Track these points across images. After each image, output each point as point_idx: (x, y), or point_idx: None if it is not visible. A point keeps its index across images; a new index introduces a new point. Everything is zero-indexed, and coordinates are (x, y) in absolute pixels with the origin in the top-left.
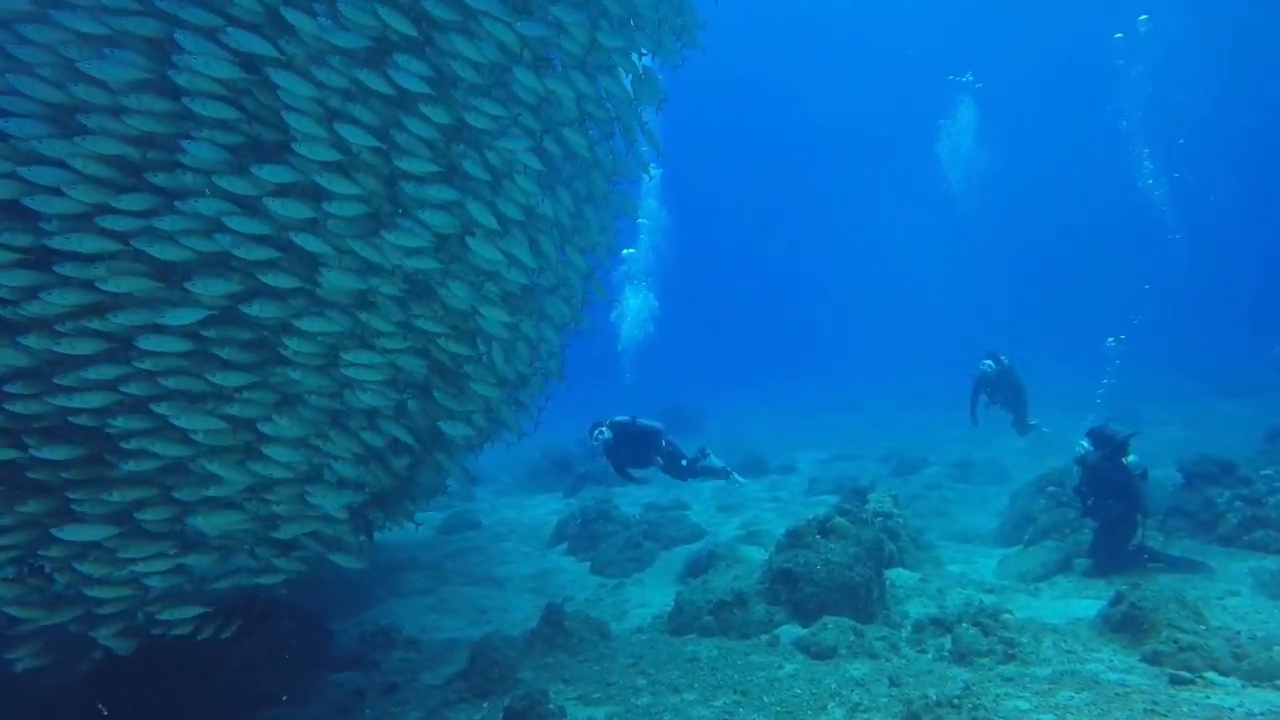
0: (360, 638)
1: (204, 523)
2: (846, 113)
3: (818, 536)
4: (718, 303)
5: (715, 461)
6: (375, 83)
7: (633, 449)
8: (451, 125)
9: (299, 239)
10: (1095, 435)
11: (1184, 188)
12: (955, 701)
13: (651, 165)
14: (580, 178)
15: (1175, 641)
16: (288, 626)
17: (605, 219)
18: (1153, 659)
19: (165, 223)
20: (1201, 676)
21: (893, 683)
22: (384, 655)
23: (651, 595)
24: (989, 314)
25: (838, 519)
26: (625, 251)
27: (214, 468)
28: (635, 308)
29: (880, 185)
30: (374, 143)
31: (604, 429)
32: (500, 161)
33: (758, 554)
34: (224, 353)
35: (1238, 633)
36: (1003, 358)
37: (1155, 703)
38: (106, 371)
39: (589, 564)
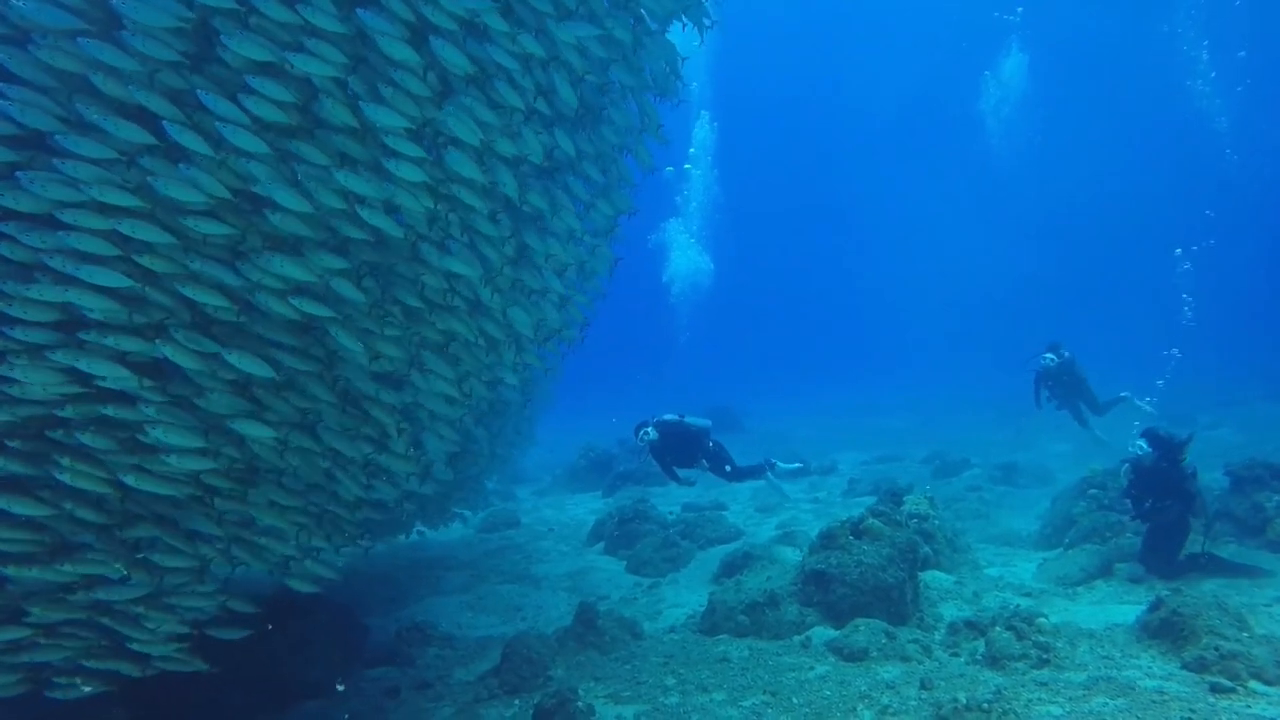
0: (396, 634)
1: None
2: (882, 108)
3: (851, 538)
4: (763, 303)
5: (783, 466)
6: (331, 23)
7: (679, 448)
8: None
9: (260, 186)
10: (1152, 436)
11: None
12: (985, 706)
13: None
14: (588, 131)
15: (1217, 649)
16: (323, 622)
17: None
18: (1193, 666)
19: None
20: (1244, 685)
21: (924, 686)
22: (419, 651)
23: (686, 595)
24: (1037, 312)
25: (871, 520)
26: (669, 169)
27: (151, 412)
28: (685, 265)
29: (925, 182)
30: (336, 73)
31: (649, 429)
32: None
33: (793, 555)
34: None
35: None
36: (1064, 351)
37: (1193, 711)
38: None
39: (625, 563)
